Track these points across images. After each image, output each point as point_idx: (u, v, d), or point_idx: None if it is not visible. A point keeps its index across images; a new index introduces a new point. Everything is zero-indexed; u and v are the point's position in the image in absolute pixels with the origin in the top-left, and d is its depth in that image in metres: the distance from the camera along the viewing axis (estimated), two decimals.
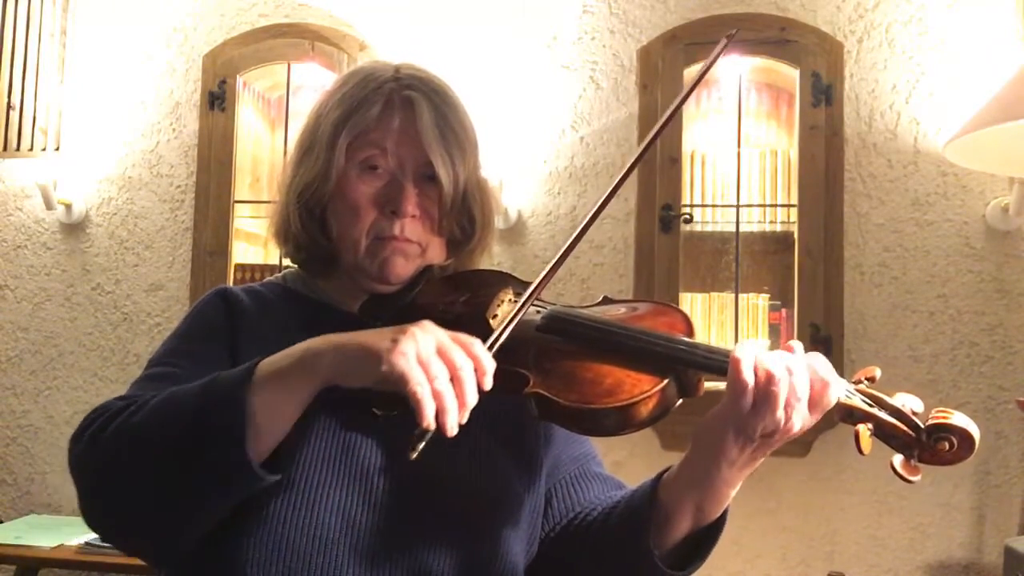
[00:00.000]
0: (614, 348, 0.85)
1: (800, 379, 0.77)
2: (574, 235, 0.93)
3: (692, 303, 2.66)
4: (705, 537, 0.87)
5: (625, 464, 2.39)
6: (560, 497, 1.00)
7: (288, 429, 0.81)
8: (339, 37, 2.81)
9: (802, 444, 2.47)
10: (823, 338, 2.48)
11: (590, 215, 0.93)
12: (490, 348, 0.78)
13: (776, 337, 2.60)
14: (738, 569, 2.56)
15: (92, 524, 0.85)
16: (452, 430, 0.72)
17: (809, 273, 2.52)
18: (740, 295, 2.61)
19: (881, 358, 2.53)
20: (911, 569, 2.52)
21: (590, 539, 0.94)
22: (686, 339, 0.84)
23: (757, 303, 2.63)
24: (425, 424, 0.71)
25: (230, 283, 2.79)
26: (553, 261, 0.90)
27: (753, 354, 0.78)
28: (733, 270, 2.64)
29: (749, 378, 0.77)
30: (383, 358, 0.73)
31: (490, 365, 0.76)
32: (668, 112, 0.96)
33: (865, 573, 2.53)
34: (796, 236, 2.56)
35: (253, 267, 2.86)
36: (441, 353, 0.74)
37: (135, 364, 2.90)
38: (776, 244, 2.72)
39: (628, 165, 0.96)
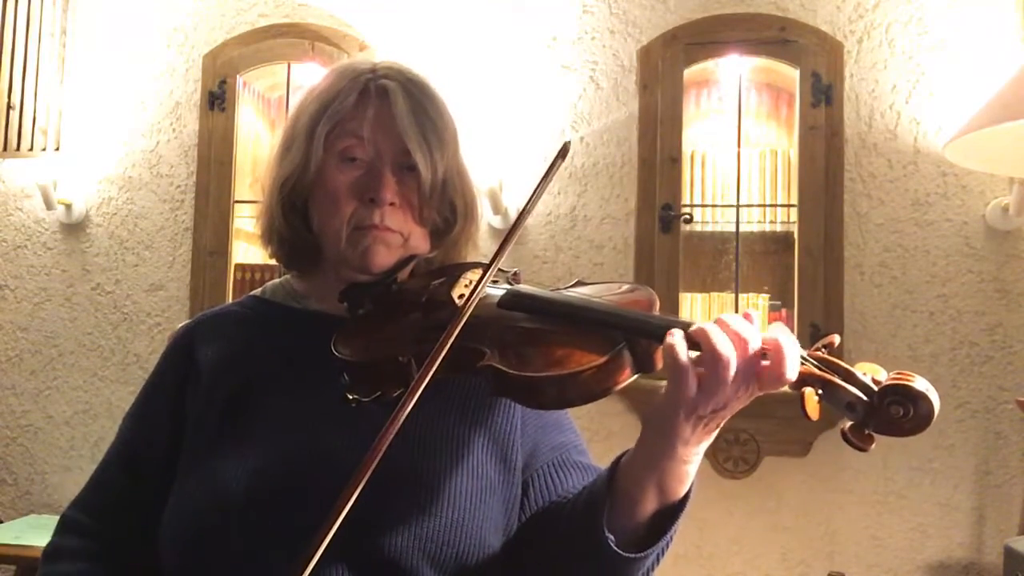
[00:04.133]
0: (568, 321, 0.86)
1: (748, 350, 0.74)
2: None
3: (692, 303, 2.66)
4: (673, 515, 0.86)
5: None
6: (537, 487, 0.99)
7: None
8: (339, 37, 2.81)
9: (802, 444, 2.47)
10: (823, 338, 2.47)
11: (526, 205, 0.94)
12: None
13: None
14: (738, 569, 2.56)
15: None
16: None
17: (809, 273, 2.52)
18: (740, 295, 2.61)
19: (881, 358, 2.53)
20: (911, 569, 2.52)
21: (556, 526, 0.94)
22: (640, 312, 0.84)
23: (757, 303, 2.62)
24: None
25: (230, 283, 2.80)
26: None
27: (705, 334, 0.74)
28: (733, 270, 2.64)
29: (685, 362, 0.74)
30: None
31: None
32: (527, 203, 0.99)
33: (865, 573, 2.53)
34: (796, 236, 2.55)
35: (253, 267, 2.86)
36: None
37: (135, 364, 2.90)
38: (776, 244, 2.72)
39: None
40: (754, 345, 0.74)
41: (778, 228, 2.68)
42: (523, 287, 0.95)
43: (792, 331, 2.56)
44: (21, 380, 2.98)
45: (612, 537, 0.83)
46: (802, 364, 0.75)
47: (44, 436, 2.96)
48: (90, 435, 2.92)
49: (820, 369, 0.75)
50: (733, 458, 2.44)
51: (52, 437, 2.95)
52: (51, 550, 0.99)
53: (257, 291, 1.12)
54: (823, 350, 0.77)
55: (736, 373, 0.74)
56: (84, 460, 2.92)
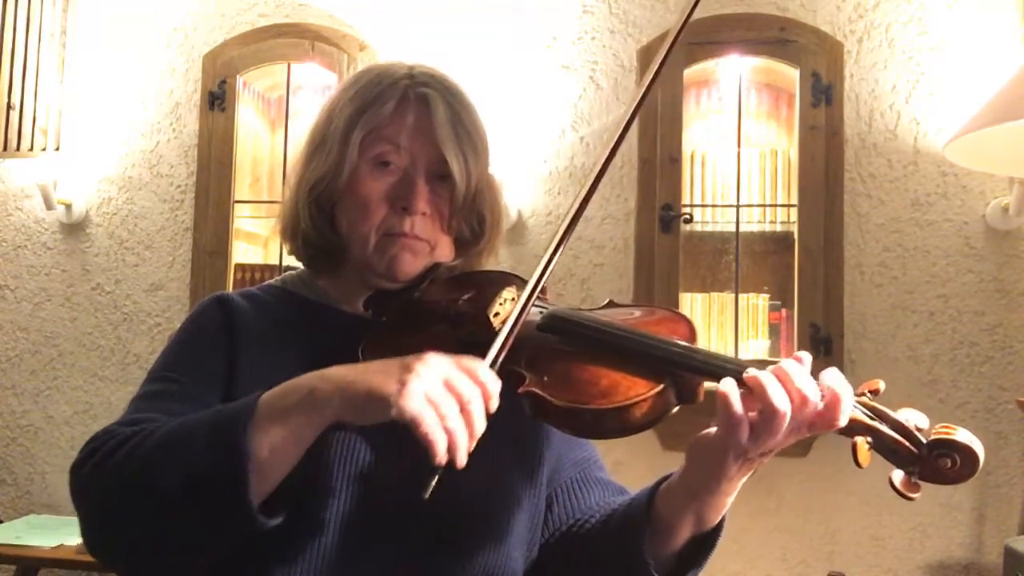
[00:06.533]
0: (612, 350, 0.84)
1: (810, 410, 0.74)
2: (564, 226, 0.89)
3: (692, 303, 2.66)
4: (705, 542, 0.87)
5: (625, 464, 2.39)
6: (560, 503, 0.99)
7: (294, 464, 0.78)
8: (339, 37, 2.81)
9: (802, 444, 2.46)
10: (823, 338, 2.48)
11: (577, 206, 0.90)
12: (494, 363, 0.77)
13: (776, 337, 2.60)
14: (738, 569, 2.56)
15: (93, 551, 0.83)
16: (463, 462, 0.72)
17: (809, 273, 2.52)
18: (740, 295, 2.61)
19: (881, 358, 2.53)
20: (911, 569, 2.52)
21: (588, 546, 0.94)
22: (685, 344, 0.83)
23: (757, 303, 2.63)
24: (438, 461, 0.70)
25: (230, 283, 2.80)
26: (547, 256, 0.87)
27: (760, 386, 0.75)
28: (733, 270, 2.64)
29: (742, 413, 0.75)
30: (391, 402, 0.71)
31: (495, 388, 0.75)
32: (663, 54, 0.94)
33: (865, 573, 2.53)
34: (796, 236, 2.56)
35: (253, 267, 2.86)
36: (448, 386, 0.73)
37: (135, 364, 2.90)
38: (776, 244, 2.72)
39: (629, 116, 0.92)
40: (812, 399, 0.75)
41: (778, 228, 2.69)
42: (562, 309, 0.92)
43: (792, 331, 2.57)
44: (21, 380, 2.98)
45: (653, 562, 0.85)
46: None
47: (44, 436, 2.96)
48: (90, 435, 2.92)
49: (869, 417, 0.76)
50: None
51: (52, 437, 2.95)
52: (93, 445, 0.85)
53: (276, 281, 1.09)
54: (868, 395, 0.78)
55: (790, 423, 0.75)
56: None
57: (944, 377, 2.52)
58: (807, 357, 0.78)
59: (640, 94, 0.93)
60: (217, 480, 0.75)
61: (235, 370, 0.93)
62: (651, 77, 0.93)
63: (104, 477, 0.80)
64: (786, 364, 0.77)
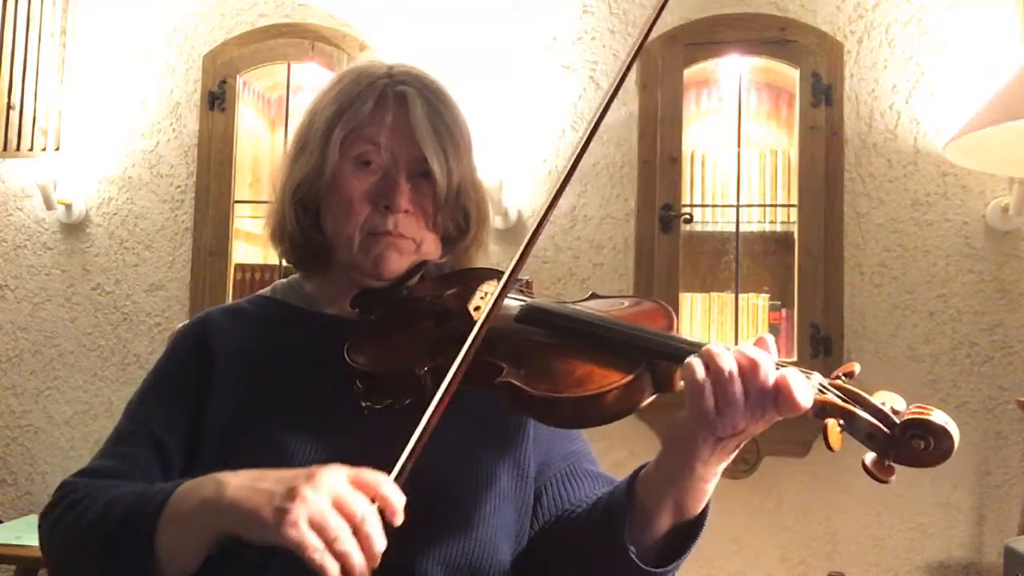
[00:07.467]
0: (587, 339, 0.85)
1: (763, 376, 0.74)
2: (542, 213, 0.88)
3: (692, 303, 2.66)
4: (689, 532, 0.86)
5: (625, 464, 2.38)
6: (550, 495, 0.99)
7: (201, 558, 0.81)
8: (339, 37, 2.81)
9: (802, 444, 2.47)
10: (823, 338, 2.48)
11: (559, 185, 0.89)
12: (400, 475, 0.74)
13: (776, 337, 2.60)
14: (738, 569, 2.56)
15: None
16: None
17: (809, 273, 2.52)
18: (740, 295, 2.61)
19: (881, 358, 2.53)
20: (911, 569, 2.52)
21: (574, 535, 0.94)
22: (660, 332, 0.84)
23: (757, 303, 2.63)
24: None
25: (230, 283, 2.80)
26: (521, 248, 0.87)
27: (711, 355, 0.75)
28: (733, 270, 2.64)
29: (704, 380, 0.75)
30: (274, 529, 0.70)
31: (399, 502, 0.72)
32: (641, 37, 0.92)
33: (865, 573, 2.53)
34: (796, 236, 2.56)
35: (253, 267, 2.86)
36: (339, 507, 0.71)
37: (135, 364, 2.90)
38: (776, 244, 2.72)
39: (606, 100, 0.91)
40: (762, 364, 0.74)
41: (778, 228, 2.69)
42: (540, 301, 0.93)
43: (792, 331, 2.57)
44: (21, 380, 2.98)
45: (633, 549, 0.84)
46: (823, 393, 0.75)
47: (44, 436, 2.96)
48: (90, 435, 2.92)
49: (842, 400, 0.74)
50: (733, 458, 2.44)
51: (52, 437, 2.95)
52: (55, 498, 0.95)
53: (266, 291, 1.11)
54: (843, 378, 0.77)
55: (745, 391, 0.74)
56: (84, 460, 2.88)
57: (944, 377, 2.52)
58: (770, 338, 0.78)
59: (617, 79, 0.91)
60: (124, 566, 0.82)
61: (209, 390, 0.97)
62: (627, 62, 0.91)
63: (52, 543, 0.92)
64: (743, 344, 0.78)
